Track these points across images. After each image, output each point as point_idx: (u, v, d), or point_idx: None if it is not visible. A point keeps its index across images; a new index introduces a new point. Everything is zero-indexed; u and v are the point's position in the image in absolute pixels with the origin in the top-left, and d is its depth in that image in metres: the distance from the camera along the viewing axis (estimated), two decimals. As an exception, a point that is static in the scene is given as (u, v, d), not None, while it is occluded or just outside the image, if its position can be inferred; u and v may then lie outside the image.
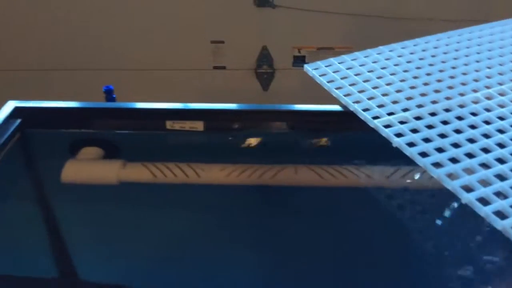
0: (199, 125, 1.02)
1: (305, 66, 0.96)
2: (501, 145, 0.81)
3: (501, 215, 0.70)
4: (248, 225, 0.96)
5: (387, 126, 0.84)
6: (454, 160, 0.78)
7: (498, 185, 0.74)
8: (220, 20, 1.91)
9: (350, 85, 0.92)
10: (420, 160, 0.78)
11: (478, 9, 1.72)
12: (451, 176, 0.76)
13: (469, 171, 0.77)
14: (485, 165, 0.78)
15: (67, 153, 1.05)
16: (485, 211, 0.70)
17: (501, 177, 0.75)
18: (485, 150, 0.80)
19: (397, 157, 0.86)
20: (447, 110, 0.87)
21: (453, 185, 0.74)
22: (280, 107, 1.02)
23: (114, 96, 1.26)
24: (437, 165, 0.77)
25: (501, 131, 0.83)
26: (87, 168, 1.03)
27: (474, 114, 0.86)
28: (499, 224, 0.69)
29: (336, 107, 0.97)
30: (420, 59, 0.98)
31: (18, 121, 1.03)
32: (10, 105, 1.05)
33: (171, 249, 0.93)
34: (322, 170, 0.95)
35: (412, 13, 1.79)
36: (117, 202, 1.03)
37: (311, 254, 0.90)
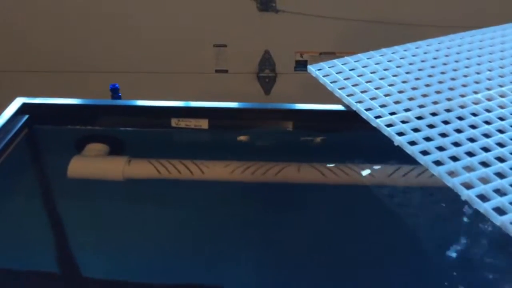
0: (203, 123, 1.04)
1: (309, 67, 0.98)
2: (501, 145, 0.82)
3: (500, 211, 0.72)
4: (251, 221, 0.98)
5: (389, 125, 0.86)
6: (454, 159, 0.80)
7: (498, 183, 0.75)
8: (223, 24, 1.93)
9: (353, 85, 0.93)
10: (421, 158, 0.80)
11: (477, 16, 1.75)
12: (451, 173, 0.78)
13: (469, 169, 0.78)
14: (485, 164, 0.79)
15: (73, 149, 1.07)
16: (485, 207, 0.72)
17: (500, 175, 0.77)
18: (485, 149, 0.81)
19: (398, 157, 0.88)
20: (448, 111, 0.89)
21: (454, 182, 0.75)
22: (284, 106, 1.04)
23: (119, 94, 1.28)
24: (437, 163, 0.79)
25: (501, 131, 0.85)
26: (93, 164, 1.04)
27: (474, 114, 0.88)
28: (498, 219, 0.71)
29: (338, 107, 0.99)
30: (422, 61, 1.00)
31: (26, 117, 1.05)
32: (18, 102, 1.07)
33: (175, 245, 0.94)
34: (324, 168, 0.96)
35: (413, 19, 1.82)
36: (122, 198, 1.04)
37: (313, 250, 0.91)
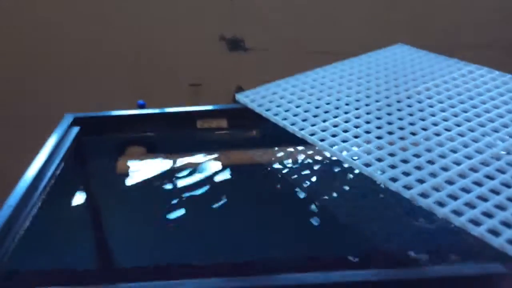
0: (223, 123, 1.08)
1: (237, 95, 1.04)
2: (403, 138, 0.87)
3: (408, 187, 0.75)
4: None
5: (312, 135, 0.91)
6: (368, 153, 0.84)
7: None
8: (197, 65, 1.99)
9: (277, 106, 1.00)
10: (342, 157, 0.85)
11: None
12: (366, 165, 0.81)
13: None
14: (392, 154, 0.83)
15: (115, 153, 1.10)
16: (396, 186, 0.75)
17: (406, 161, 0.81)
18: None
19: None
20: (368, 113, 0.95)
21: (369, 171, 0.80)
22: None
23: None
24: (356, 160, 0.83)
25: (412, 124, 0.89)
26: (135, 163, 1.06)
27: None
28: (407, 193, 0.74)
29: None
30: (331, 81, 1.10)
31: (77, 128, 1.08)
32: (69, 117, 1.10)
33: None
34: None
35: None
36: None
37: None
